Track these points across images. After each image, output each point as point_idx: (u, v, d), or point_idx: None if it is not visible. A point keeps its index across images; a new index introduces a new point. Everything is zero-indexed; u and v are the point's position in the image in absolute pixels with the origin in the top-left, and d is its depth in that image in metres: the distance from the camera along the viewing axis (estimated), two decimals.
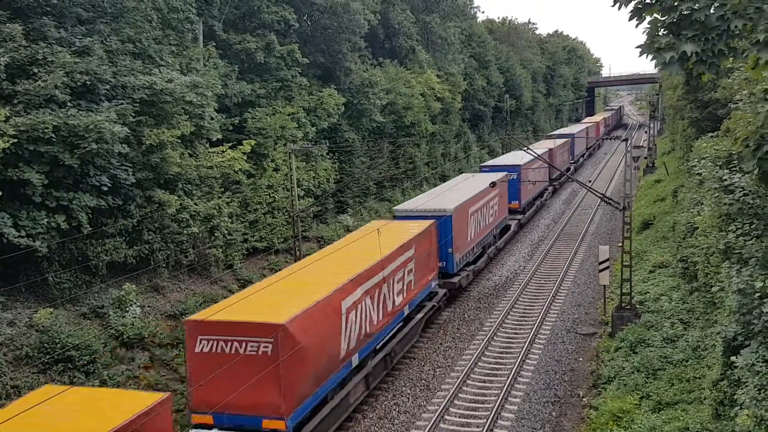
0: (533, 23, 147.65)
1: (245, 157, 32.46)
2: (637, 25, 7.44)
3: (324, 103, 41.63)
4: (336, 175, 43.21)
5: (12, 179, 21.42)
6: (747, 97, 15.34)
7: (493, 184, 34.15)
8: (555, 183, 59.71)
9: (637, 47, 7.30)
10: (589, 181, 63.04)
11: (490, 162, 50.92)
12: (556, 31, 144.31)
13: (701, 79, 7.42)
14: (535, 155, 31.35)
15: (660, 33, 7.12)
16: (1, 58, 21.77)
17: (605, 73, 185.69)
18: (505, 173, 42.01)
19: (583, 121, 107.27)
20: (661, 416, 17.38)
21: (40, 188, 22.01)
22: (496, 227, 39.53)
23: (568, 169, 67.36)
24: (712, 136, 26.11)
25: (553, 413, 21.05)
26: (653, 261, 32.02)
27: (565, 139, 66.13)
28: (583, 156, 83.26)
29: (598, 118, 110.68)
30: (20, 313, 22.27)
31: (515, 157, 48.62)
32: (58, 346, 21.35)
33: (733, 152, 16.03)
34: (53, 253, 23.54)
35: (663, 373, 20.20)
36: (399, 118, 51.62)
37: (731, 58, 7.03)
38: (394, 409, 21.61)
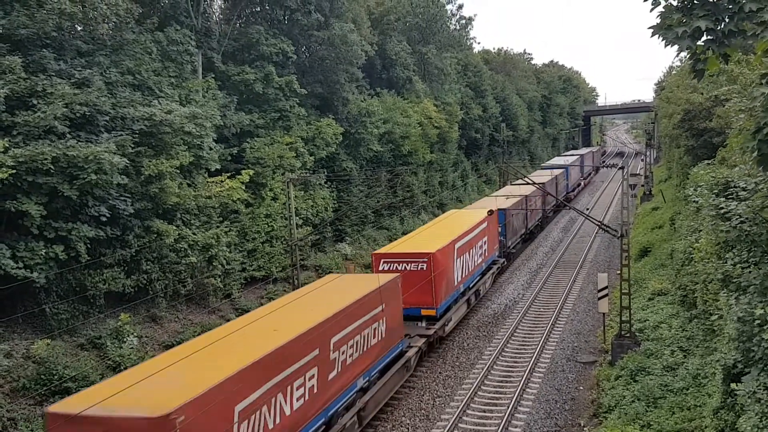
0: (528, 53, 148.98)
1: (243, 187, 32.60)
2: (651, 9, 7.53)
3: (322, 133, 41.94)
4: (334, 203, 43.33)
5: (10, 211, 21.45)
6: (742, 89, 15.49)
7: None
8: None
9: (650, 28, 7.41)
10: (587, 209, 63.14)
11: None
12: (552, 61, 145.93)
13: (706, 66, 7.45)
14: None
15: (673, 16, 7.24)
16: (1, 90, 21.95)
17: (601, 101, 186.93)
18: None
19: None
20: None
21: (39, 219, 22.05)
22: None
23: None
24: (708, 164, 26.28)
25: None
26: (652, 288, 31.97)
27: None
28: None
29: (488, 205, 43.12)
30: (17, 344, 22.16)
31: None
32: (55, 377, 21.23)
33: (730, 179, 16.13)
34: (51, 284, 23.51)
35: (664, 401, 20.07)
36: (396, 147, 51.95)
37: (740, 39, 7.13)
38: None
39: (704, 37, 7.08)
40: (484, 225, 36.21)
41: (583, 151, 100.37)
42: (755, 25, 7.04)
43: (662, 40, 7.18)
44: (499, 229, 40.99)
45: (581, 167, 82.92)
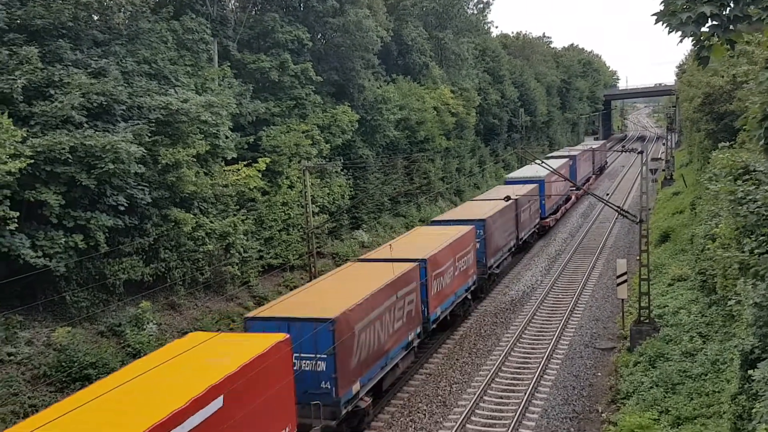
0: (548, 37, 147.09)
1: (260, 175, 32.67)
2: None
3: (338, 120, 41.85)
4: (350, 191, 43.31)
5: (29, 200, 21.69)
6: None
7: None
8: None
9: (653, 14, 7.26)
10: (607, 194, 62.57)
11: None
12: (572, 44, 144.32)
13: (711, 53, 7.29)
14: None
15: (677, 2, 7.09)
16: (18, 80, 22.16)
17: (622, 85, 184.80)
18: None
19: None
20: (680, 431, 17.12)
21: (58, 208, 22.27)
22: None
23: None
24: (730, 146, 25.83)
25: (572, 429, 20.78)
26: (672, 274, 31.67)
27: None
28: None
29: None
30: (38, 332, 22.48)
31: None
32: (76, 364, 21.49)
33: (749, 163, 15.87)
34: (71, 272, 23.78)
35: (682, 387, 19.92)
36: (412, 133, 51.75)
37: (745, 25, 6.98)
38: (410, 426, 21.44)
39: (709, 23, 6.92)
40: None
41: (577, 150, 72.42)
42: (761, 9, 6.88)
43: (666, 26, 7.02)
44: (321, 365, 18.84)
45: (569, 177, 55.26)
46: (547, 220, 50.35)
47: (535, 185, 46.93)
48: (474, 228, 32.38)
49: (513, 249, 40.64)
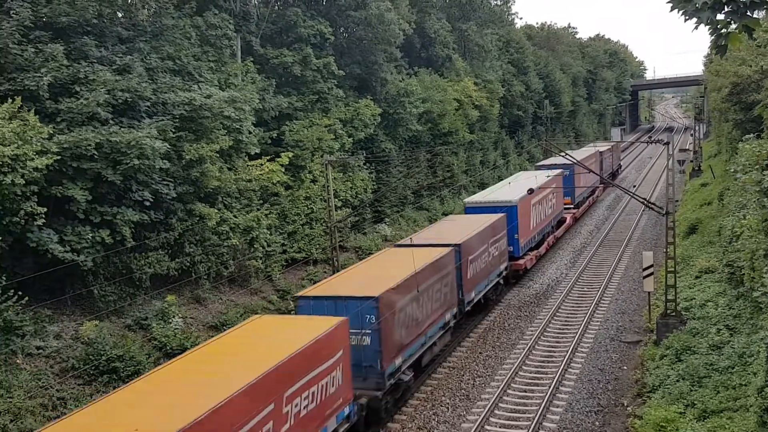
0: (573, 27, 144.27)
1: (283, 170, 32.81)
2: None
3: (360, 114, 41.83)
4: (373, 185, 43.30)
5: (56, 196, 22.04)
6: None
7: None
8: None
9: (668, 2, 7.10)
10: (634, 186, 61.79)
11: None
12: (598, 34, 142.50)
13: (729, 40, 7.10)
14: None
15: None
16: (44, 78, 22.48)
17: (649, 75, 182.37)
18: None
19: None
20: (706, 425, 16.92)
21: (84, 204, 22.60)
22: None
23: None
24: (757, 136, 25.39)
25: (597, 423, 20.63)
26: (699, 266, 31.23)
27: None
28: None
29: None
30: (66, 325, 22.86)
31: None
32: (103, 357, 21.81)
33: None
34: (98, 267, 24.14)
35: (708, 380, 19.67)
36: (435, 126, 51.54)
37: (763, 12, 6.81)
38: (433, 419, 21.45)
39: (725, 9, 6.73)
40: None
41: (577, 156, 46.70)
42: None
43: (682, 13, 6.85)
44: None
45: (562, 193, 45.88)
46: (521, 261, 35.55)
47: (501, 215, 32.81)
48: (346, 321, 18.24)
49: (451, 324, 26.33)
